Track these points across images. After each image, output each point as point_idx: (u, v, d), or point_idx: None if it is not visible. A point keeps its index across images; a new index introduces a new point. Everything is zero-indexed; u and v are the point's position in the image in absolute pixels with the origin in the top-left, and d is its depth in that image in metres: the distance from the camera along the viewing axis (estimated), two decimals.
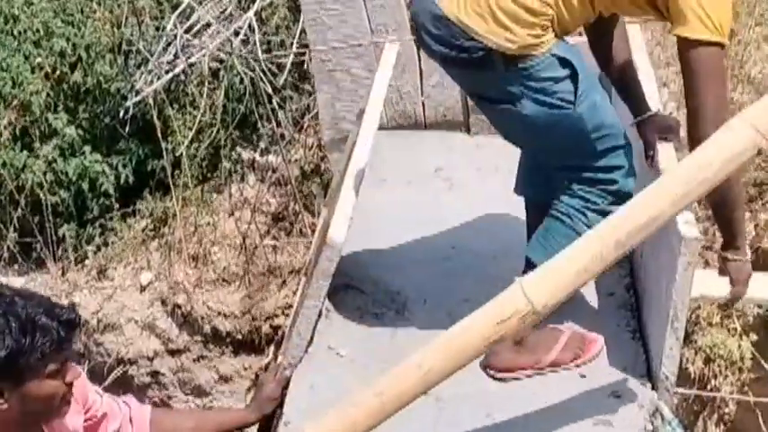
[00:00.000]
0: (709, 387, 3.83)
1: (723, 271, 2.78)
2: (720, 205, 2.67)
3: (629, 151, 2.80)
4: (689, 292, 2.58)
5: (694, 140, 2.51)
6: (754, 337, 3.97)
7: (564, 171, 2.80)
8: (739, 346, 3.98)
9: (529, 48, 2.60)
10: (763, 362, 3.92)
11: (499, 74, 2.63)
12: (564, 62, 2.66)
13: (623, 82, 2.93)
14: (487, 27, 2.57)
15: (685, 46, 2.54)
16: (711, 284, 2.81)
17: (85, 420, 2.56)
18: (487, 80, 2.69)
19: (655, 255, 2.86)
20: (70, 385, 2.22)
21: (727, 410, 3.90)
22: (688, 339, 3.76)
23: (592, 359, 2.91)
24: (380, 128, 3.54)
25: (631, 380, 2.81)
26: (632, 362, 2.87)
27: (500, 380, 2.89)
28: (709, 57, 2.52)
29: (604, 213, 2.67)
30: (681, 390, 3.26)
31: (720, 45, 2.52)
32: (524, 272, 2.68)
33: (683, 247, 2.51)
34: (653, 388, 2.77)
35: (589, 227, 2.63)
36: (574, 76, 2.67)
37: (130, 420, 2.70)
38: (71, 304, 2.33)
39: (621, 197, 2.71)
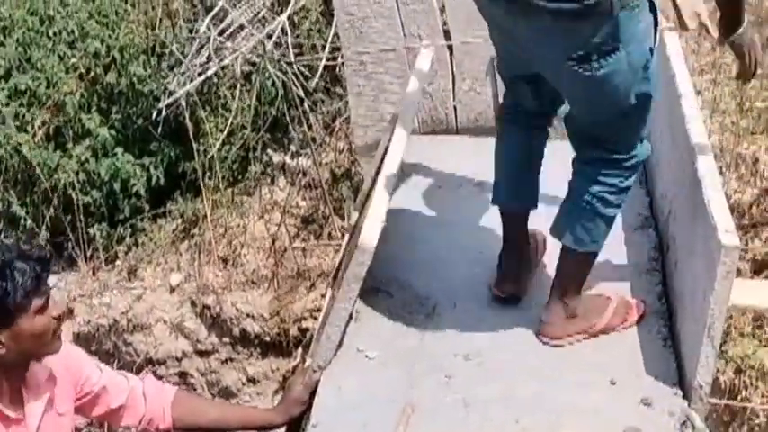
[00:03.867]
0: (739, 398, 3.80)
1: (740, 52, 2.80)
2: None
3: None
4: (727, 301, 2.55)
5: None
6: None
7: (596, 151, 2.81)
8: None
9: None
10: None
11: (611, 18, 2.52)
12: (651, 5, 2.62)
13: None
14: None
15: None
16: (743, 293, 2.79)
17: (78, 399, 2.61)
18: (594, 29, 2.55)
19: (691, 262, 2.84)
20: (58, 319, 2.38)
21: (757, 421, 3.85)
22: (719, 349, 3.73)
23: (637, 322, 3.01)
24: (412, 132, 3.54)
25: (662, 388, 2.79)
26: (663, 370, 2.85)
27: (555, 345, 2.95)
28: None
29: (623, 191, 2.83)
30: (711, 399, 3.23)
31: None
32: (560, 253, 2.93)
33: (722, 256, 2.49)
34: (684, 396, 2.75)
35: (618, 206, 2.85)
36: (655, 23, 2.66)
37: (144, 396, 2.72)
38: (38, 245, 2.56)
39: (636, 169, 2.84)
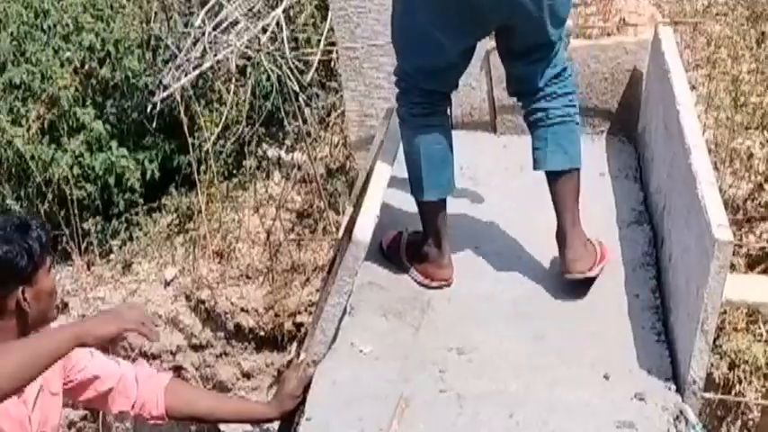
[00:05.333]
0: (733, 392, 3.80)
1: None
2: None
3: None
4: (721, 296, 2.55)
5: None
6: None
7: (551, 69, 3.09)
8: (765, 351, 3.94)
9: None
10: None
11: None
12: None
13: None
14: None
15: None
16: (737, 289, 2.80)
17: (66, 383, 2.65)
18: None
19: (685, 257, 2.84)
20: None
21: (751, 416, 3.86)
22: (713, 344, 3.73)
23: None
24: None
25: (656, 382, 2.79)
26: (657, 364, 2.85)
27: (589, 278, 3.11)
28: None
29: (575, 94, 3.18)
30: (705, 394, 3.23)
31: None
32: (551, 182, 3.13)
33: (716, 251, 2.49)
34: (678, 391, 2.75)
35: (578, 112, 3.17)
36: None
37: (136, 381, 2.74)
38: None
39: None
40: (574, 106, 3.13)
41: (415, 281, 3.28)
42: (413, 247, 3.30)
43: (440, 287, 3.25)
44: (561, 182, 3.10)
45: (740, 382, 3.80)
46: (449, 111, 3.23)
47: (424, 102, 3.14)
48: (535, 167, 3.16)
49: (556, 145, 3.09)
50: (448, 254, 3.24)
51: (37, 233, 2.41)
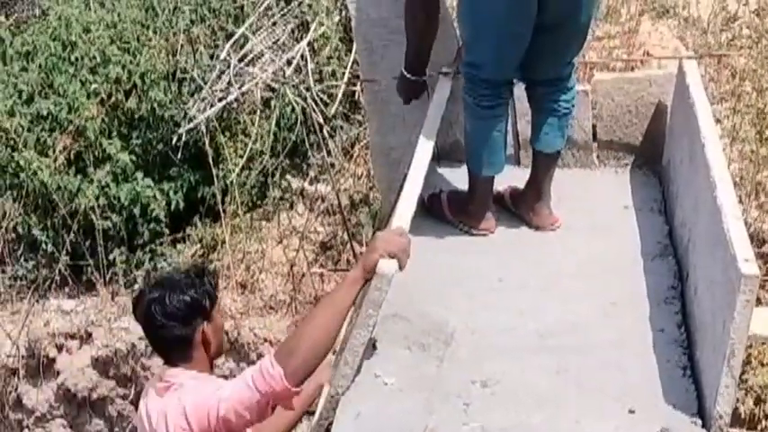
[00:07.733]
0: (759, 428, 3.77)
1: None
2: None
3: None
4: (747, 330, 2.54)
5: None
6: None
7: (569, 67, 3.50)
8: None
9: None
10: None
11: None
12: None
13: None
14: None
15: None
16: (763, 323, 2.78)
17: None
18: None
19: (710, 291, 2.82)
20: None
21: None
22: (738, 379, 3.70)
23: None
24: (431, 159, 3.55)
25: (682, 417, 2.76)
26: (683, 399, 2.83)
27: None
28: None
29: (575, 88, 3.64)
30: (731, 430, 3.20)
31: None
32: (545, 158, 3.58)
33: (742, 285, 2.48)
34: (704, 426, 2.72)
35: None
36: None
37: None
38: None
39: None
40: (574, 98, 3.57)
41: (461, 229, 3.64)
42: (456, 204, 3.66)
43: (484, 234, 3.62)
44: (553, 158, 3.61)
45: (766, 417, 3.77)
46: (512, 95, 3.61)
47: (491, 94, 3.43)
48: (538, 147, 3.58)
49: (560, 131, 3.54)
50: (490, 213, 3.62)
51: (210, 278, 2.79)
